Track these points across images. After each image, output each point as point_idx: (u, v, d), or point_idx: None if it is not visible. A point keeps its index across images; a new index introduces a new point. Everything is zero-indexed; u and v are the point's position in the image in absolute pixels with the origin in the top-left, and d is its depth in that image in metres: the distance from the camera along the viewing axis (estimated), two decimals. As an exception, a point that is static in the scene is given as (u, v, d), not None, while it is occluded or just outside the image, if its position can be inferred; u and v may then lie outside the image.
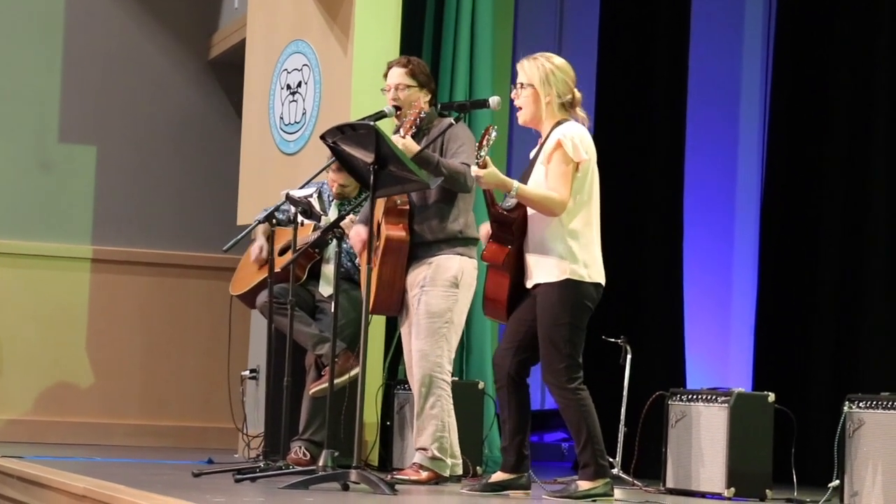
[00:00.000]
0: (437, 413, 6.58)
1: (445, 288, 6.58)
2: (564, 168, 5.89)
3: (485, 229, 6.16)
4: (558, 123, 5.99)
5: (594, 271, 5.93)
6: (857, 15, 8.81)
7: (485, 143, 5.87)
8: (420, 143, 6.52)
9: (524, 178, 6.03)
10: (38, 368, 9.63)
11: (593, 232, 5.97)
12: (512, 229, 5.99)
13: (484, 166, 5.87)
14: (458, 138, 6.57)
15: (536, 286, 5.95)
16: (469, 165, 6.46)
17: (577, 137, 5.92)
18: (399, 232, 6.60)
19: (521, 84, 6.03)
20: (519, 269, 6.02)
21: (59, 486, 6.09)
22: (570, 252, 5.88)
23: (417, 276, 6.62)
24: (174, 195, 10.01)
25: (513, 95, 6.09)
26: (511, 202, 5.98)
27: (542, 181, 5.94)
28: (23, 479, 6.65)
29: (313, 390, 7.19)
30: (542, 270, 5.93)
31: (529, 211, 5.97)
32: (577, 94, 6.05)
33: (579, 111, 6.05)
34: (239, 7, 9.67)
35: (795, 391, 8.43)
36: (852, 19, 8.83)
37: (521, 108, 6.05)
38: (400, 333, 7.09)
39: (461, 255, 6.63)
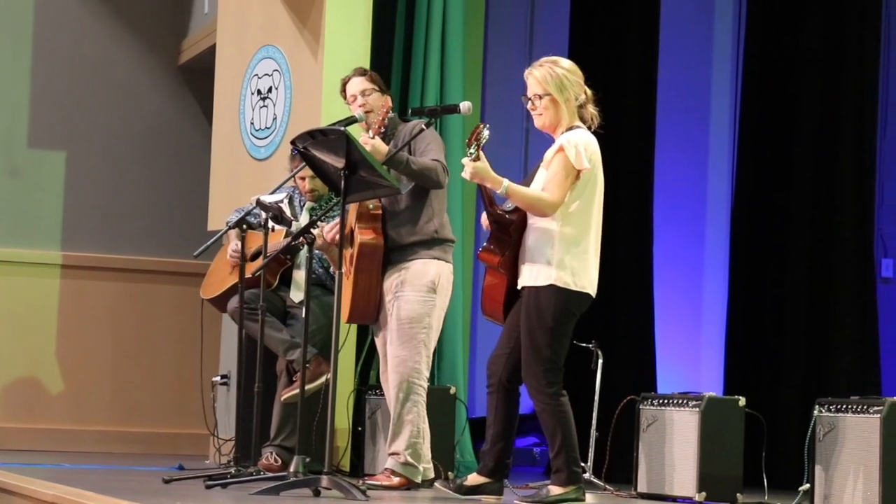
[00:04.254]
0: (413, 419, 6.57)
1: (423, 293, 6.57)
2: (562, 172, 5.87)
3: (484, 219, 6.11)
4: (569, 129, 5.97)
5: (583, 281, 5.91)
6: (826, 20, 8.86)
7: (474, 140, 5.82)
8: (386, 145, 6.53)
9: (527, 181, 6.01)
10: (8, 375, 9.58)
11: (590, 241, 5.94)
12: (510, 231, 5.96)
13: (477, 160, 5.84)
14: (425, 138, 6.57)
15: (524, 289, 5.95)
16: (439, 161, 6.47)
17: (581, 144, 5.90)
18: (372, 236, 6.59)
19: (537, 95, 5.98)
20: (516, 272, 6.00)
21: (28, 494, 6.06)
22: (560, 259, 5.86)
23: (393, 282, 6.61)
24: (144, 201, 9.97)
25: (529, 107, 6.04)
26: (510, 204, 5.97)
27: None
28: (-8, 487, 6.62)
29: (284, 396, 7.18)
30: (529, 274, 5.92)
31: (529, 214, 5.96)
32: (589, 92, 6.04)
33: (590, 108, 6.04)
34: (209, 12, 9.65)
35: (766, 395, 8.47)
36: (821, 24, 8.87)
37: (540, 115, 6.00)
38: (372, 339, 7.08)
39: (438, 259, 6.62)
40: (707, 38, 10.08)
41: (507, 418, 6.05)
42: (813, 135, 8.85)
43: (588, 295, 5.94)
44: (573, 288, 5.88)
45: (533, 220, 5.94)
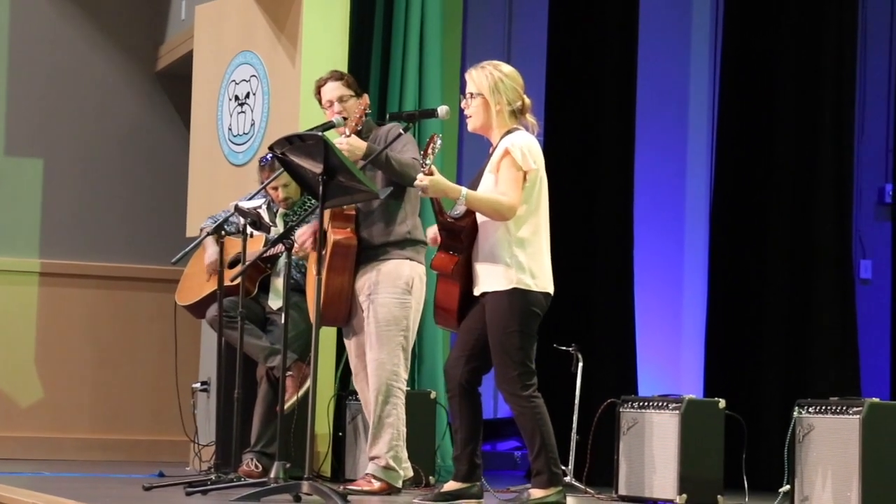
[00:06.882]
0: (393, 422, 6.57)
1: (398, 295, 6.57)
2: (514, 173, 5.89)
3: (432, 233, 6.15)
4: (508, 132, 6.00)
5: (542, 281, 5.94)
6: (803, 21, 8.88)
7: (430, 151, 5.84)
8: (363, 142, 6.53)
9: (472, 186, 6.02)
10: (-14, 383, 9.56)
11: (542, 241, 5.97)
12: (461, 238, 5.98)
13: (430, 174, 5.86)
14: (402, 139, 6.57)
15: (484, 295, 5.96)
16: (417, 159, 6.47)
17: (525, 147, 5.93)
18: (346, 236, 6.58)
19: (471, 94, 6.04)
20: (468, 278, 6.01)
21: (7, 502, 6.04)
22: (518, 261, 5.89)
23: (365, 282, 6.60)
24: (122, 207, 9.95)
25: (462, 105, 6.09)
26: (459, 210, 5.97)
27: (491, 189, 5.94)
28: (-29, 496, 6.59)
29: (286, 406, 7.08)
30: (489, 279, 5.93)
31: (479, 219, 5.97)
32: (527, 101, 6.06)
33: (529, 117, 6.06)
34: (186, 18, 9.63)
35: (746, 397, 8.48)
36: (798, 25, 8.90)
37: (470, 117, 6.06)
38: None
39: (410, 259, 6.62)
40: (685, 40, 10.10)
41: (472, 421, 6.06)
42: (791, 136, 8.87)
43: (549, 294, 5.96)
44: (535, 289, 5.90)
45: (485, 225, 5.95)
